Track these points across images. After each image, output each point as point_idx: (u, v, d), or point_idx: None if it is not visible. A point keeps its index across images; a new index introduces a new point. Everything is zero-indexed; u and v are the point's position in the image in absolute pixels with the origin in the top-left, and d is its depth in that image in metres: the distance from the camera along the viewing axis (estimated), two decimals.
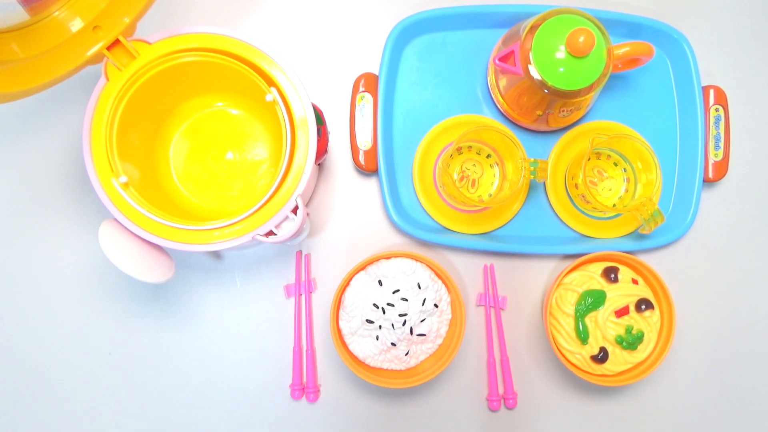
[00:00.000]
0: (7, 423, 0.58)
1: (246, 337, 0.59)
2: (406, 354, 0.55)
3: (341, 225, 0.60)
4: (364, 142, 0.58)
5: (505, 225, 0.59)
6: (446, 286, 0.55)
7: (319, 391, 0.58)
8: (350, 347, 0.55)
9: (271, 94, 0.48)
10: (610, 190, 0.60)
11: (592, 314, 0.54)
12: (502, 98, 0.58)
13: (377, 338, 0.54)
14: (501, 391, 0.59)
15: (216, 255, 0.60)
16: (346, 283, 0.55)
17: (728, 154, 0.60)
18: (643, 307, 0.54)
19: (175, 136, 0.55)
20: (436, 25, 0.60)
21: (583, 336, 0.54)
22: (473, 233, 0.59)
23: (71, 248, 0.59)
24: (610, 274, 0.55)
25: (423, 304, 0.53)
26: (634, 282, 0.55)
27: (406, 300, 0.53)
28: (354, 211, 0.60)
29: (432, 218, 0.59)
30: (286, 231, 0.47)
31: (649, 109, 0.61)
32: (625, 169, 0.60)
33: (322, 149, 0.52)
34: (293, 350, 0.58)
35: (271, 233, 0.48)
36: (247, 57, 0.49)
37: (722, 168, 0.60)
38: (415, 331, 0.54)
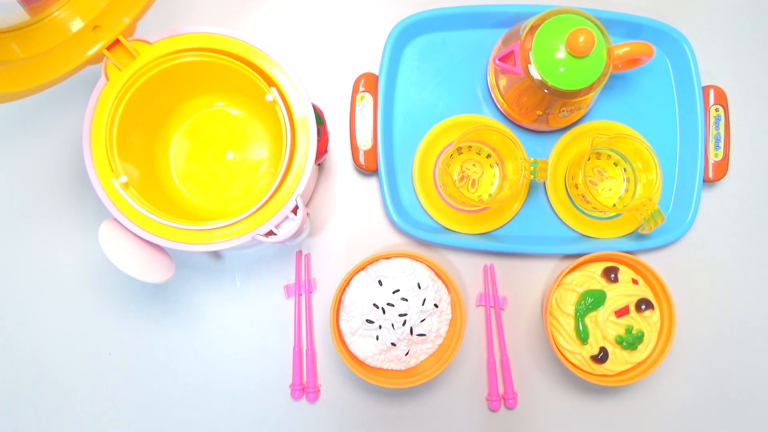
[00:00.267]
0: (7, 423, 0.58)
1: (246, 337, 0.59)
2: (406, 354, 0.55)
3: (341, 225, 0.60)
4: (364, 142, 0.58)
5: (505, 225, 0.59)
6: (446, 286, 0.55)
7: (319, 391, 0.58)
8: (350, 347, 0.55)
9: (271, 94, 0.48)
10: (610, 190, 0.60)
11: (592, 314, 0.54)
12: (502, 98, 0.58)
13: (377, 338, 0.54)
14: (501, 391, 0.59)
15: (216, 255, 0.60)
16: (346, 283, 0.55)
17: (728, 154, 0.60)
18: (643, 307, 0.54)
19: (175, 136, 0.55)
20: (436, 25, 0.60)
21: (583, 336, 0.54)
22: (473, 233, 0.59)
23: (71, 248, 0.59)
24: (610, 274, 0.55)
25: (423, 304, 0.53)
26: (634, 282, 0.55)
27: (406, 300, 0.53)
28: (354, 211, 0.60)
29: (432, 218, 0.59)
30: (286, 231, 0.47)
31: (649, 109, 0.61)
32: (625, 169, 0.60)
33: (322, 149, 0.52)
34: (293, 350, 0.58)
35: (271, 233, 0.48)
36: (247, 57, 0.49)
37: (722, 168, 0.60)
38: (415, 331, 0.54)
